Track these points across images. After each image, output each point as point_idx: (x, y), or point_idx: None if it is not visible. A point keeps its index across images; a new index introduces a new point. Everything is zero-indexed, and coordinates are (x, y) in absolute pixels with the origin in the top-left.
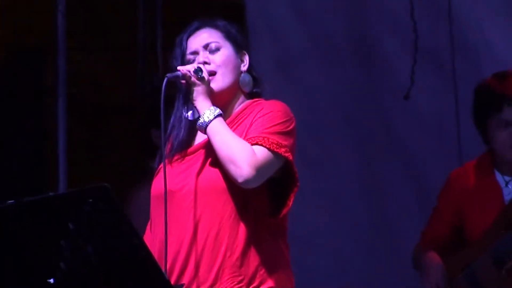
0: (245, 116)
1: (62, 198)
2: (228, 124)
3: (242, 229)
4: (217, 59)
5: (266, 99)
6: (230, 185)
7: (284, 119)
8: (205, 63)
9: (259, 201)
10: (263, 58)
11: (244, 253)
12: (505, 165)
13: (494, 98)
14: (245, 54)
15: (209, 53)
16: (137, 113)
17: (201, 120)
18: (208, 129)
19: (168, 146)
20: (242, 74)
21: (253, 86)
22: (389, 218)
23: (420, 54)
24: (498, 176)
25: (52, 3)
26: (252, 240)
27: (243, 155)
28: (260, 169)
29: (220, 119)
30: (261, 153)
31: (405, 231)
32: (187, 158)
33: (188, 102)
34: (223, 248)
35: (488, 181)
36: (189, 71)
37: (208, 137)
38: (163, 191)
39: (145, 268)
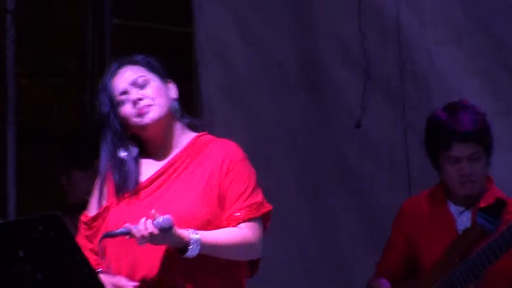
0: (196, 152)
1: (13, 225)
2: (177, 158)
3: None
4: (149, 92)
5: (210, 132)
6: (201, 225)
7: (250, 166)
8: (139, 99)
9: None
10: (212, 86)
11: None
12: (457, 196)
13: (443, 133)
14: (170, 82)
15: (139, 88)
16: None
17: (189, 253)
18: (202, 252)
19: (110, 186)
20: (172, 102)
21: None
22: (340, 247)
23: (370, 82)
24: (452, 206)
25: (1, 30)
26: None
27: (247, 250)
28: (261, 239)
29: (203, 236)
30: (256, 227)
31: (356, 260)
32: (141, 195)
33: (121, 141)
34: None
35: (441, 211)
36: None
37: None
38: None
39: None
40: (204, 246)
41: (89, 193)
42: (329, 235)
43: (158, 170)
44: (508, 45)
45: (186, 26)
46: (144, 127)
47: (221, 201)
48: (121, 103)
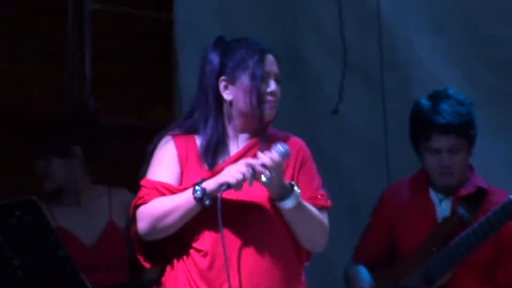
0: (269, 142)
1: None
2: (253, 144)
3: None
4: (279, 93)
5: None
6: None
7: (314, 163)
8: (276, 93)
9: None
10: (190, 72)
11: None
12: (437, 185)
13: (423, 124)
14: None
15: (275, 83)
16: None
17: (288, 202)
18: (291, 211)
19: (185, 159)
20: None
21: None
22: None
23: (350, 69)
24: (432, 194)
25: None
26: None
27: (322, 231)
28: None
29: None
30: (326, 217)
31: (335, 246)
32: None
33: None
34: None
35: (422, 198)
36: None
37: (285, 214)
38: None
39: (70, 281)
40: (299, 203)
41: (66, 179)
42: None
43: (237, 153)
44: (489, 35)
45: (166, 12)
46: (262, 116)
47: None
48: (260, 78)
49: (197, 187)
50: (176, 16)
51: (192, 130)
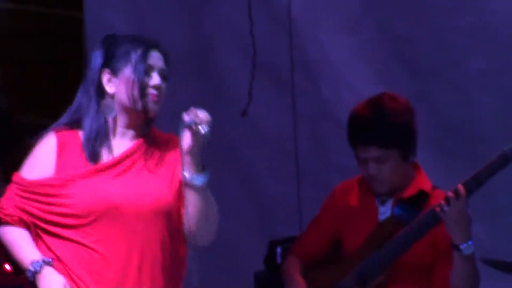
0: (158, 140)
1: None
2: (144, 142)
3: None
4: (163, 88)
5: None
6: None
7: None
8: (160, 87)
9: None
10: None
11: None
12: None
13: (349, 132)
14: None
15: (160, 78)
16: None
17: (203, 178)
18: (204, 191)
19: (66, 153)
20: None
21: None
22: (229, 235)
23: (259, 69)
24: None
25: None
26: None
27: (215, 226)
28: None
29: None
30: None
31: (244, 249)
32: (110, 172)
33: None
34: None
35: (367, 199)
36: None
37: (193, 194)
38: (111, 205)
39: None
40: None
41: None
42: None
43: (121, 155)
44: (399, 35)
45: (76, 10)
46: (145, 110)
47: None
48: (142, 71)
49: (31, 268)
50: (86, 14)
51: (76, 125)
